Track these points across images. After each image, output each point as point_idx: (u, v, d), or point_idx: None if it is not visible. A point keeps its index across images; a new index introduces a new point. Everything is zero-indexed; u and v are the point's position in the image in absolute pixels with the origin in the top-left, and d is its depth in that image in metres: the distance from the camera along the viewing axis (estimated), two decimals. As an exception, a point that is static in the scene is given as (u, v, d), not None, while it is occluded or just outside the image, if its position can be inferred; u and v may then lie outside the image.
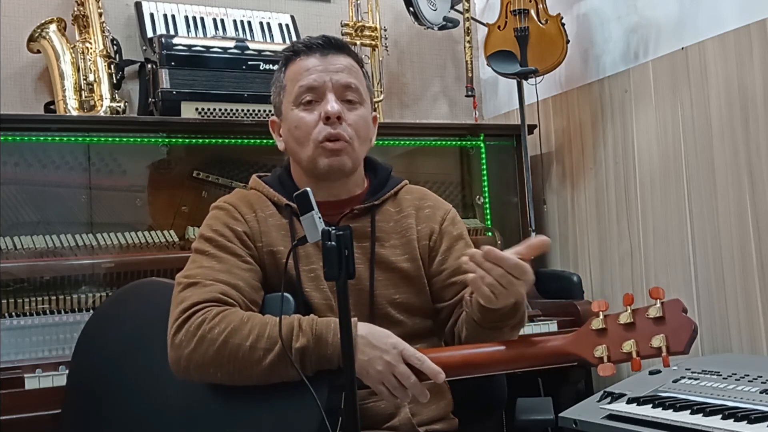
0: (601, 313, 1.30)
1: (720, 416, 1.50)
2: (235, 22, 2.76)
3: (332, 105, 1.52)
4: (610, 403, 1.70)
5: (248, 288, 1.48)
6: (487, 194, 2.84)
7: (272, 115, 1.67)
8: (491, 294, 1.35)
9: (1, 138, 2.15)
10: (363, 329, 1.37)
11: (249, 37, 2.72)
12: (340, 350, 1.30)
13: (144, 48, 2.62)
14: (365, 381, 1.35)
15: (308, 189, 1.30)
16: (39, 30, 2.49)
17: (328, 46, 1.57)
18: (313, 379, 1.33)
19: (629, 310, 1.28)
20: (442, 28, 2.91)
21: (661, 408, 1.60)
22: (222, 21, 2.74)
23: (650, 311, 1.26)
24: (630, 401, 1.68)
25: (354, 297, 1.52)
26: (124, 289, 1.79)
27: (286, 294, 1.43)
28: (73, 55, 2.51)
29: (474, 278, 1.36)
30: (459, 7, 2.94)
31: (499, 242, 2.80)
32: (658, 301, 1.25)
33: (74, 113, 2.45)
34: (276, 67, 1.66)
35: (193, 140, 2.44)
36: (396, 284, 1.57)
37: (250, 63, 2.53)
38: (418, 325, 1.58)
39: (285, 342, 1.34)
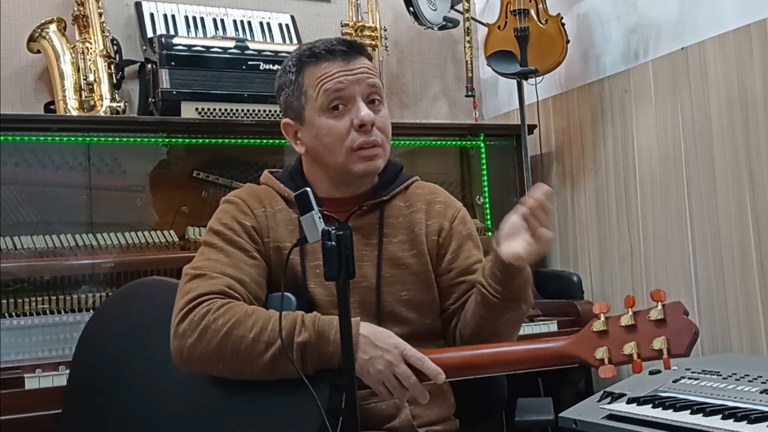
0: (602, 315, 1.30)
1: (720, 416, 1.50)
2: (235, 22, 2.76)
3: (366, 113, 1.51)
4: (610, 403, 1.70)
5: (253, 284, 1.48)
6: (487, 194, 2.84)
7: (281, 116, 1.63)
8: (529, 244, 1.38)
9: (1, 138, 2.15)
10: (365, 329, 1.37)
11: (249, 37, 2.72)
12: (340, 348, 1.31)
13: (144, 48, 2.62)
14: (365, 380, 1.35)
15: (308, 189, 1.30)
16: (39, 30, 2.49)
17: (350, 50, 1.56)
18: (314, 378, 1.33)
19: (630, 312, 1.28)
20: (442, 28, 2.92)
21: (661, 408, 1.60)
22: (222, 21, 2.74)
23: (651, 313, 1.26)
24: (630, 401, 1.68)
25: (361, 294, 1.52)
26: (125, 288, 1.79)
27: (287, 294, 1.43)
28: (73, 55, 2.51)
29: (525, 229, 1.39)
30: (459, 7, 2.94)
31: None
32: (660, 303, 1.26)
33: (74, 113, 2.45)
34: (276, 67, 1.65)
35: (193, 140, 2.44)
36: (403, 281, 1.56)
37: (250, 63, 2.53)
38: (426, 325, 1.57)
39: (287, 337, 1.34)
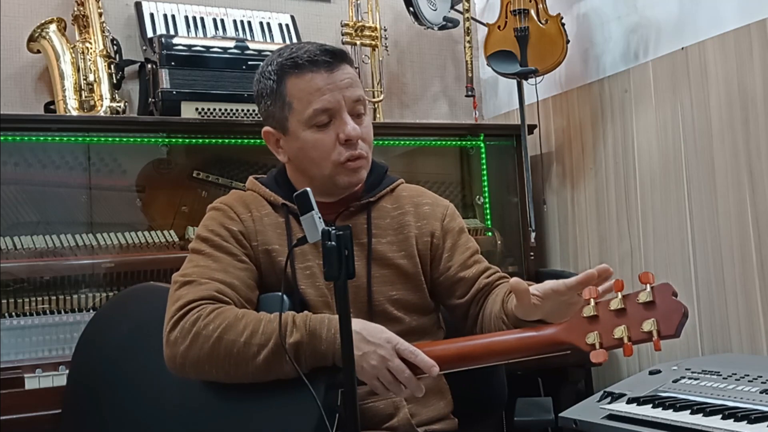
0: (592, 300, 1.30)
1: (720, 416, 1.50)
2: (235, 22, 2.76)
3: (353, 127, 1.51)
4: (610, 403, 1.70)
5: (243, 287, 1.49)
6: (487, 194, 2.84)
7: (263, 122, 1.62)
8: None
9: (1, 138, 2.15)
10: (357, 325, 1.37)
11: (249, 37, 2.72)
12: (334, 346, 1.32)
13: (144, 48, 2.62)
14: (360, 376, 1.35)
15: (308, 189, 1.31)
16: (39, 30, 2.49)
17: (333, 58, 1.54)
18: (309, 377, 1.34)
19: (620, 296, 1.28)
20: (442, 28, 2.91)
21: (661, 408, 1.60)
22: (222, 21, 2.74)
23: (640, 296, 1.25)
24: (630, 401, 1.67)
25: (351, 294, 1.51)
26: (124, 292, 1.80)
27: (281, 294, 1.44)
28: (73, 55, 2.51)
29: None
30: (459, 7, 2.94)
31: (499, 242, 2.80)
32: (648, 285, 1.25)
33: (74, 113, 2.45)
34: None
35: (193, 140, 2.44)
36: (393, 281, 1.57)
37: (250, 63, 2.53)
38: (416, 322, 1.58)
39: (278, 338, 1.34)
